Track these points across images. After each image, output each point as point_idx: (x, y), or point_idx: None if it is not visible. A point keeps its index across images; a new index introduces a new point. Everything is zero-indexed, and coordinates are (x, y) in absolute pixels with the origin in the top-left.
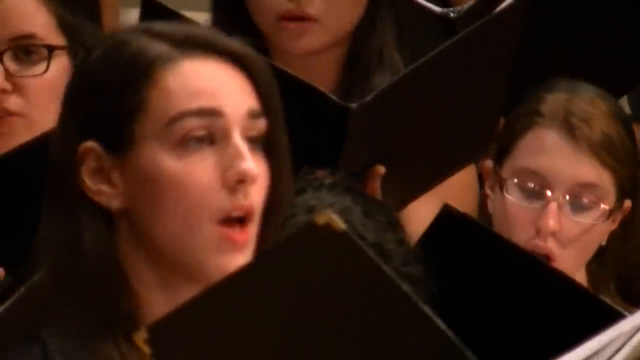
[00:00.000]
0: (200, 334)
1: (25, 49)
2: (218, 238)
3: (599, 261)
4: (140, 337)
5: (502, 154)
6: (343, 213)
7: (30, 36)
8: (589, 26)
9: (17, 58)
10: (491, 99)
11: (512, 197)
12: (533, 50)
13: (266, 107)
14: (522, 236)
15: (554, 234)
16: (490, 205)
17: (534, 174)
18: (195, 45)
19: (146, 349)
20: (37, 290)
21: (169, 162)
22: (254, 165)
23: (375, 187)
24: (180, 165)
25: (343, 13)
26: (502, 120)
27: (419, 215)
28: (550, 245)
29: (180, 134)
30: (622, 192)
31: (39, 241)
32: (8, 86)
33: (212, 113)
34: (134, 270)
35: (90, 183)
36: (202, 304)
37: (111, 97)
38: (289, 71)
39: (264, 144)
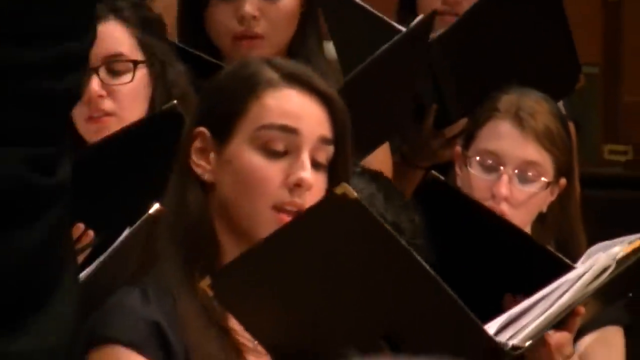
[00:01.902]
0: (250, 280)
1: (116, 65)
2: (273, 220)
3: (541, 225)
4: (205, 283)
5: (468, 140)
6: (369, 198)
7: (119, 55)
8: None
9: (109, 71)
10: (404, 92)
11: (475, 171)
12: (477, 69)
13: (337, 138)
14: (482, 200)
15: (506, 199)
16: (458, 181)
17: (492, 154)
18: (296, 79)
19: (210, 292)
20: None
21: (251, 157)
22: (311, 176)
23: None
24: (258, 162)
25: (282, 30)
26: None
27: None
28: (503, 208)
29: (264, 139)
30: (559, 171)
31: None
32: (103, 92)
33: (291, 131)
34: (219, 232)
35: (194, 157)
36: (251, 257)
37: (226, 100)
38: None
39: (329, 167)
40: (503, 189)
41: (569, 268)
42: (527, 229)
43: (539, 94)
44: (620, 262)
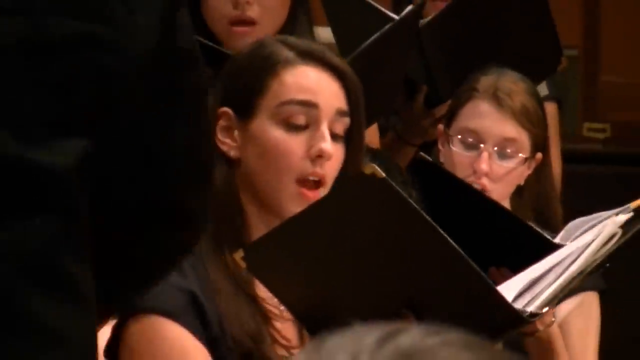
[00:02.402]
0: (280, 253)
1: None
2: (296, 193)
3: (519, 197)
4: (238, 255)
5: (449, 119)
6: None
7: None
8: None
9: None
10: (395, 76)
11: (457, 149)
12: (465, 52)
13: (351, 110)
14: (464, 175)
15: (486, 174)
16: (441, 157)
17: (472, 132)
18: (312, 56)
19: (242, 264)
20: None
21: (273, 133)
22: (331, 147)
23: None
24: (281, 137)
25: (274, 15)
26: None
27: None
28: (484, 182)
29: (285, 114)
30: (536, 147)
31: None
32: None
33: (310, 105)
34: (245, 205)
35: (220, 135)
36: (282, 231)
37: (247, 80)
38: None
39: (346, 137)
40: (483, 165)
41: (547, 242)
42: (507, 201)
43: (515, 74)
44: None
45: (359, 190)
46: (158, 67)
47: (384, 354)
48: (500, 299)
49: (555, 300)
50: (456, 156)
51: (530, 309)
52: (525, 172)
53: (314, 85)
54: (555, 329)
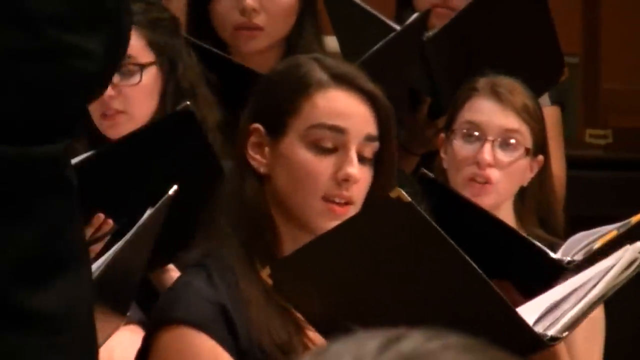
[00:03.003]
0: (307, 271)
1: (124, 67)
2: (325, 209)
3: (522, 200)
4: (265, 273)
5: (449, 121)
6: None
7: (128, 57)
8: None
9: (119, 73)
10: (400, 83)
11: (459, 142)
12: (468, 64)
13: (381, 134)
14: (467, 169)
15: (489, 165)
16: (444, 163)
17: (474, 125)
18: (345, 80)
19: (269, 281)
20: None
21: (302, 154)
22: (358, 171)
23: None
24: (309, 159)
25: (281, 23)
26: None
27: None
28: (488, 173)
29: (315, 137)
30: (537, 145)
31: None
32: (113, 92)
33: (340, 130)
34: (276, 217)
35: (251, 151)
36: (308, 251)
37: (279, 99)
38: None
39: (375, 160)
40: (486, 155)
41: (550, 260)
42: (510, 205)
43: (513, 78)
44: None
45: (385, 213)
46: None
47: (386, 359)
48: (522, 322)
49: (577, 324)
50: (458, 150)
51: (551, 332)
52: (527, 170)
53: (344, 110)
54: None
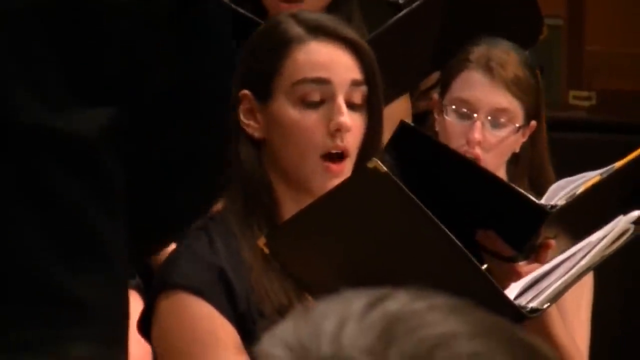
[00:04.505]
0: (298, 239)
1: None
2: (321, 168)
3: (514, 164)
4: (261, 241)
5: (443, 89)
6: None
7: None
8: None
9: None
10: (422, 53)
11: (450, 118)
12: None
13: (367, 79)
14: (458, 145)
15: (479, 143)
16: (436, 126)
17: (465, 102)
18: (322, 31)
19: (265, 250)
20: None
21: (291, 112)
22: (349, 119)
23: None
24: (299, 115)
25: None
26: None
27: None
28: (477, 151)
29: (300, 93)
30: (529, 115)
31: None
32: None
33: (323, 81)
34: (274, 182)
35: (243, 118)
36: (297, 221)
37: (261, 62)
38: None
39: (364, 105)
40: (476, 134)
41: (534, 204)
42: (502, 170)
43: (508, 43)
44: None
45: (363, 183)
46: (176, 31)
47: (372, 318)
48: (501, 294)
49: (559, 297)
50: (450, 126)
51: (533, 304)
52: (519, 140)
53: (325, 60)
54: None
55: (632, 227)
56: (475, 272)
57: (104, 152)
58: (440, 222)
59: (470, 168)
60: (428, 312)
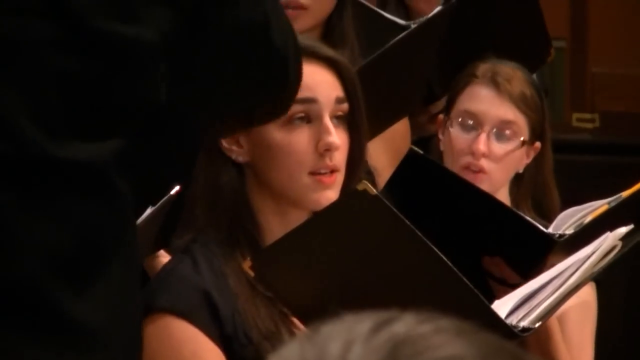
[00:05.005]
0: (285, 262)
1: None
2: (312, 182)
3: (517, 185)
4: (247, 264)
5: (448, 105)
6: None
7: None
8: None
9: None
10: (422, 73)
11: (455, 131)
12: (457, 48)
13: (349, 95)
14: (462, 158)
15: (484, 155)
16: (441, 146)
17: (471, 114)
18: (304, 51)
19: (251, 273)
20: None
21: (278, 135)
22: (337, 138)
23: None
24: (286, 137)
25: (324, 2)
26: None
27: (373, 152)
28: (482, 163)
29: (287, 115)
30: (534, 133)
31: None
32: None
33: (310, 101)
34: (258, 204)
35: (225, 143)
36: (284, 243)
37: None
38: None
39: (347, 121)
40: (481, 146)
41: (541, 234)
42: (505, 190)
43: (513, 63)
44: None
45: (353, 205)
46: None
47: (378, 341)
48: (492, 314)
49: (550, 314)
50: (455, 138)
51: (524, 323)
52: (523, 158)
53: (309, 80)
54: (552, 319)
55: (619, 243)
56: (467, 292)
57: (113, 175)
58: (448, 248)
59: (478, 195)
60: (434, 335)
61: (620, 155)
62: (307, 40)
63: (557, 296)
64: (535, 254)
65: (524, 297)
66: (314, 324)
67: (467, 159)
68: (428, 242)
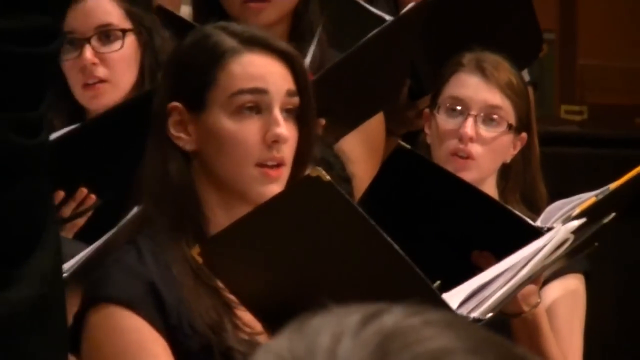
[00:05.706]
0: (235, 249)
1: (106, 34)
2: (258, 174)
3: (505, 178)
4: (195, 251)
5: (434, 97)
6: None
7: (109, 24)
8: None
9: (100, 40)
10: (399, 67)
11: (442, 117)
12: (447, 43)
13: (300, 89)
14: (450, 143)
15: (471, 140)
16: (428, 139)
17: (458, 100)
18: (256, 43)
19: (199, 259)
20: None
21: (227, 124)
22: (286, 130)
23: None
24: (235, 126)
25: None
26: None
27: (348, 144)
28: (470, 149)
29: (237, 104)
30: (520, 121)
31: (141, 170)
32: (96, 60)
33: (260, 91)
34: (204, 194)
35: (173, 131)
36: (236, 230)
37: (195, 73)
38: None
39: (297, 115)
40: (468, 130)
41: (530, 227)
42: (493, 181)
43: (499, 55)
44: (580, 228)
45: (305, 192)
46: None
47: (367, 334)
48: (443, 304)
49: (501, 305)
50: (442, 124)
51: (474, 314)
52: (510, 147)
53: (261, 71)
54: (541, 311)
55: (571, 236)
56: (419, 281)
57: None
58: (435, 243)
59: (466, 189)
60: (423, 328)
61: (608, 148)
62: (261, 32)
63: (508, 288)
64: (523, 247)
65: (475, 289)
66: (264, 316)
67: (455, 144)
68: (381, 230)
